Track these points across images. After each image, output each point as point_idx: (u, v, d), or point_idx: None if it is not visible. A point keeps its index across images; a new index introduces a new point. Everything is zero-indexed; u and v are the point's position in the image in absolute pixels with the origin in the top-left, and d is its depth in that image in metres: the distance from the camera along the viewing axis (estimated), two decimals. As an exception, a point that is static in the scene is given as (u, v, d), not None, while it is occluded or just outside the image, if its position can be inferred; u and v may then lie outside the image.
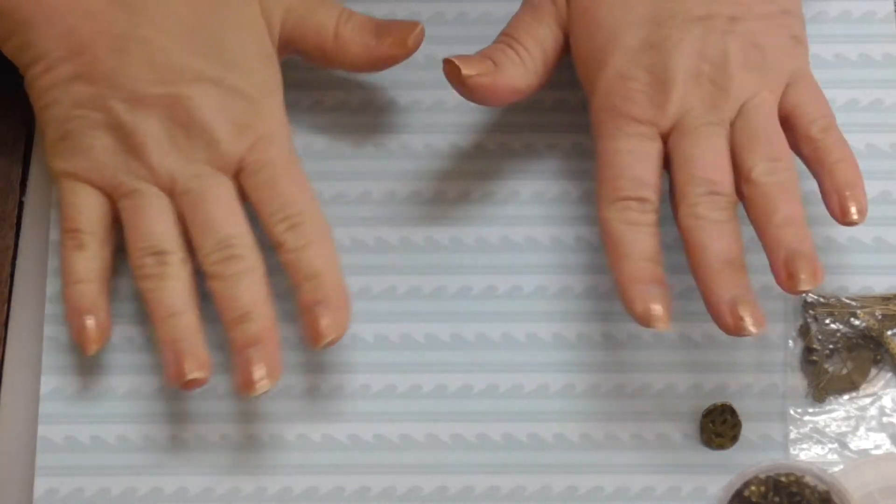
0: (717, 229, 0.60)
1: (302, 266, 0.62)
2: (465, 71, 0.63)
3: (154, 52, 0.63)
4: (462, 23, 0.71)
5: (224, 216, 0.62)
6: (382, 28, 0.66)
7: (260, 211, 0.63)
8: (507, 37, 0.65)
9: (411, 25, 0.65)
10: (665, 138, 0.63)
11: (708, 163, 0.61)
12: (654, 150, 0.62)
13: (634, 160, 0.62)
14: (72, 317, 0.63)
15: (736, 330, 0.59)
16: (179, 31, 0.63)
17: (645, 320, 0.60)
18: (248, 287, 0.62)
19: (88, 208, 0.63)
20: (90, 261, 0.63)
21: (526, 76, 0.65)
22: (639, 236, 0.61)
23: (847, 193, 0.62)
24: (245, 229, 0.63)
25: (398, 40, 0.65)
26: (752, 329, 0.59)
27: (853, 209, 0.61)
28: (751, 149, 0.62)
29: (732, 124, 0.62)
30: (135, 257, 0.62)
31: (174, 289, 0.62)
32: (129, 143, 0.63)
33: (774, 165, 0.61)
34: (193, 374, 0.61)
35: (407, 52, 0.66)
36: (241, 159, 0.63)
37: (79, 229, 0.63)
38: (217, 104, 0.63)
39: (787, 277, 0.60)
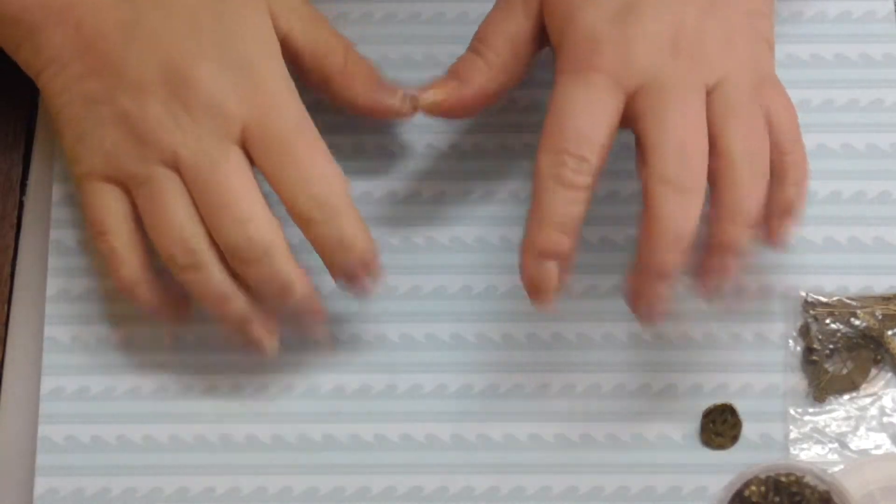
0: (680, 198, 0.59)
1: (331, 237, 0.62)
2: (424, 100, 0.64)
3: (159, 39, 0.62)
4: (463, 22, 0.71)
5: (241, 195, 0.61)
6: (386, 83, 0.66)
7: (275, 182, 0.62)
8: (475, 42, 0.65)
9: (413, 98, 0.65)
10: (629, 99, 0.60)
11: (682, 125, 0.60)
12: (610, 103, 0.60)
13: (583, 111, 0.60)
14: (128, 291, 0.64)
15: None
16: (184, 15, 0.63)
17: (533, 294, 0.60)
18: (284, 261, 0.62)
19: (113, 207, 0.63)
20: (129, 253, 0.63)
21: (496, 79, 0.64)
22: (563, 201, 0.59)
23: (786, 221, 0.62)
24: (260, 204, 0.61)
25: (403, 97, 0.65)
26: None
27: (784, 236, 0.62)
28: (728, 124, 0.60)
29: (709, 93, 0.61)
30: (162, 250, 0.62)
31: (212, 276, 0.62)
32: (136, 131, 0.62)
33: (750, 147, 0.60)
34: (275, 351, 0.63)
35: (409, 111, 0.65)
36: (245, 126, 0.62)
37: (107, 231, 0.63)
38: (217, 73, 0.62)
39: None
